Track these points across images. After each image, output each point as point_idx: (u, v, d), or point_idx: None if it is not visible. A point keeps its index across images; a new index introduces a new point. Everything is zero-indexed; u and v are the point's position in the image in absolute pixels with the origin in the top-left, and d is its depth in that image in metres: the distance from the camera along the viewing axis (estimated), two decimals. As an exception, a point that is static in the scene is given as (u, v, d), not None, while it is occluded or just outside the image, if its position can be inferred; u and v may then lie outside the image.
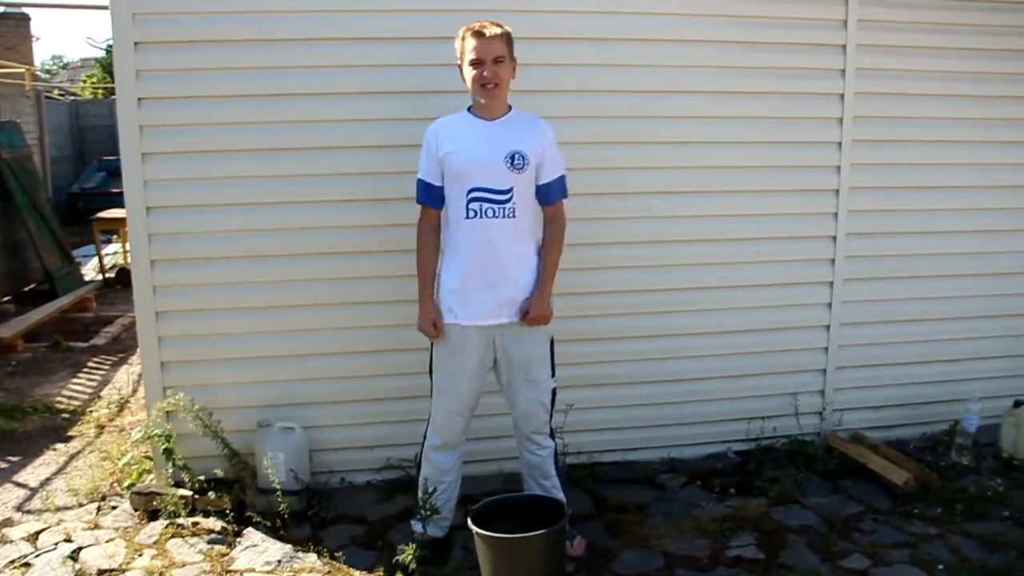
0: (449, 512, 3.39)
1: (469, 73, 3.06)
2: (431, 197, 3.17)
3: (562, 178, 3.21)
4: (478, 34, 3.01)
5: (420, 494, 3.31)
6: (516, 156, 3.05)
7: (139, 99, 3.57)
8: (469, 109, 3.18)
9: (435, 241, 3.22)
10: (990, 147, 4.34)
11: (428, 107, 3.50)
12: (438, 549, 3.36)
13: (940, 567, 3.28)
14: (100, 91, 20.66)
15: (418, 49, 3.67)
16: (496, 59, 3.02)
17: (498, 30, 3.03)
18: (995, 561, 3.32)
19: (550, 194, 3.18)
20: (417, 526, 3.32)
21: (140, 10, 3.51)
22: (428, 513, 3.26)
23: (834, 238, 4.23)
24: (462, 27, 3.09)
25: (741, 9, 3.93)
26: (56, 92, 17.43)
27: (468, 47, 3.03)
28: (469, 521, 3.01)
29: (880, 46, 4.07)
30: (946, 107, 4.23)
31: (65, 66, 33.50)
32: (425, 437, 3.35)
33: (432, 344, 3.26)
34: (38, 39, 23.52)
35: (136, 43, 3.53)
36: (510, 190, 3.07)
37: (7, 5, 15.34)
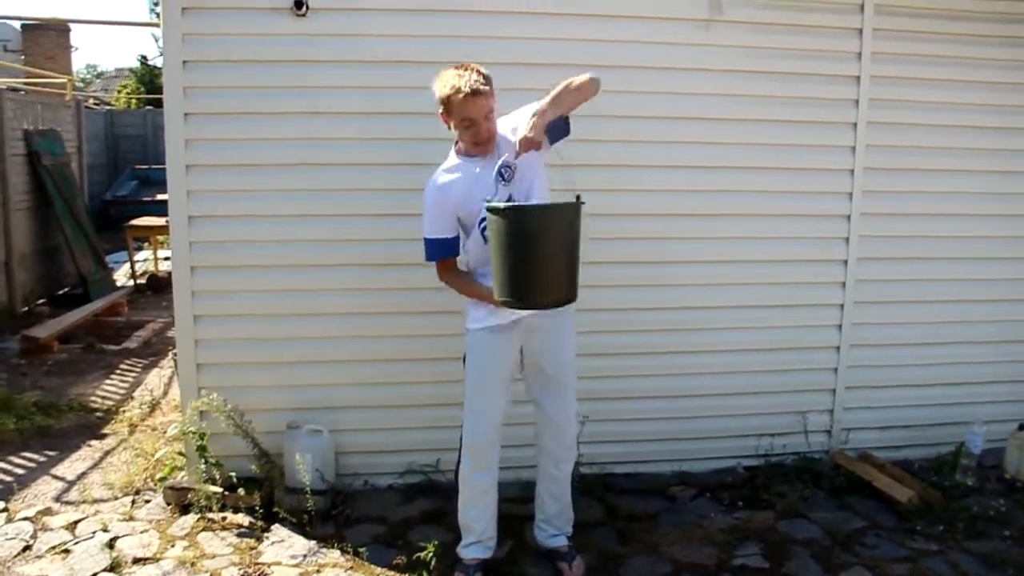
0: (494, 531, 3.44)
1: (462, 132, 3.04)
2: (446, 250, 3.17)
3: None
4: (468, 96, 2.93)
5: (465, 518, 3.39)
6: (503, 170, 2.99)
7: (185, 114, 3.77)
8: (456, 147, 3.18)
9: (462, 272, 3.25)
10: (998, 177, 4.45)
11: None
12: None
13: (939, 581, 3.40)
14: (134, 101, 21.03)
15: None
16: (487, 115, 3.00)
17: (484, 87, 2.96)
18: (993, 577, 3.43)
19: (554, 129, 3.00)
20: (475, 552, 3.37)
21: (189, 31, 3.72)
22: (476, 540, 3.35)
23: (845, 262, 4.35)
24: (445, 83, 2.97)
25: (756, 40, 4.09)
26: (91, 101, 17.80)
27: (457, 109, 2.97)
28: (483, 209, 2.94)
29: (893, 78, 4.21)
30: (955, 137, 4.35)
31: (99, 75, 34.06)
32: (459, 462, 3.40)
33: (464, 360, 3.33)
34: (76, 49, 24.07)
35: (184, 61, 3.74)
36: (508, 199, 3.04)
37: (57, 22, 15.80)
